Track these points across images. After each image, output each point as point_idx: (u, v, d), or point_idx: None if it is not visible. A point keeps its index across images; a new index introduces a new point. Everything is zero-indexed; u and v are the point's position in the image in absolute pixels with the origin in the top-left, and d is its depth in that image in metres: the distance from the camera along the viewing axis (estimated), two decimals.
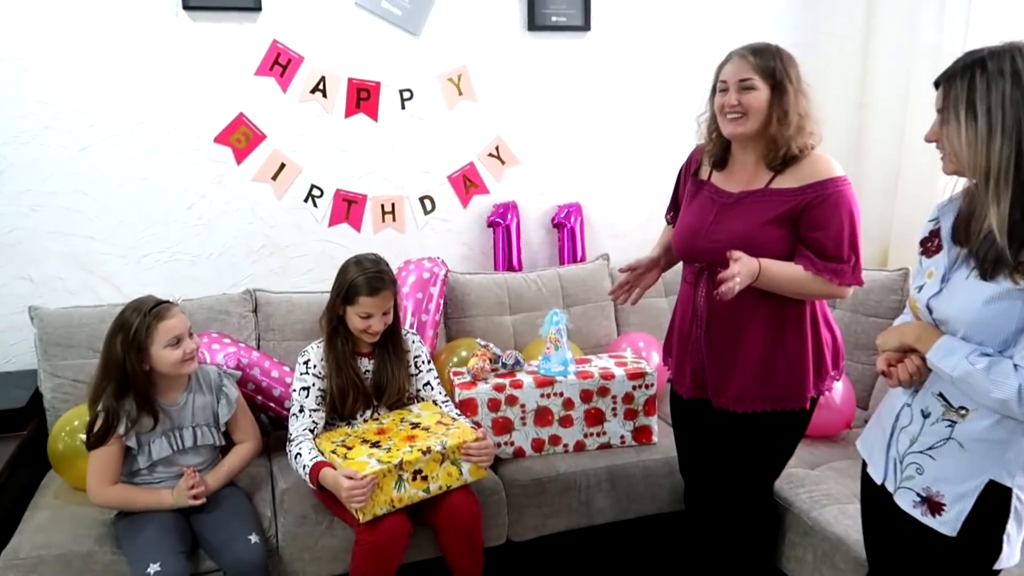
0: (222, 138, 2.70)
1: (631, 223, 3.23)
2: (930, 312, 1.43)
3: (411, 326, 2.54)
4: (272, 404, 2.41)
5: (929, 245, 1.50)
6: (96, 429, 1.91)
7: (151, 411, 1.95)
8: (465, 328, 2.82)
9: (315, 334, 2.58)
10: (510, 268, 3.02)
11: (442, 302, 2.72)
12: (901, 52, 2.99)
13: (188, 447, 2.03)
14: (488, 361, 2.41)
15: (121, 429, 1.92)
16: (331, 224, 2.87)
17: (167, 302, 2.00)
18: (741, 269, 1.71)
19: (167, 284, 2.68)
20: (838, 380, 1.96)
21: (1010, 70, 1.27)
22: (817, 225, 1.76)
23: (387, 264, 2.18)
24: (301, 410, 2.12)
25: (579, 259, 3.09)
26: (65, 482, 2.18)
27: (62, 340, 2.38)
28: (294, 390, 2.14)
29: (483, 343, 2.49)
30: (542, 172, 3.08)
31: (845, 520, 2.01)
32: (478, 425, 2.26)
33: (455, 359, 2.61)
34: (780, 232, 1.79)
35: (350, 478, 1.88)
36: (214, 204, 2.73)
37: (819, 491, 2.15)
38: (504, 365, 2.44)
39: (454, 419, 2.16)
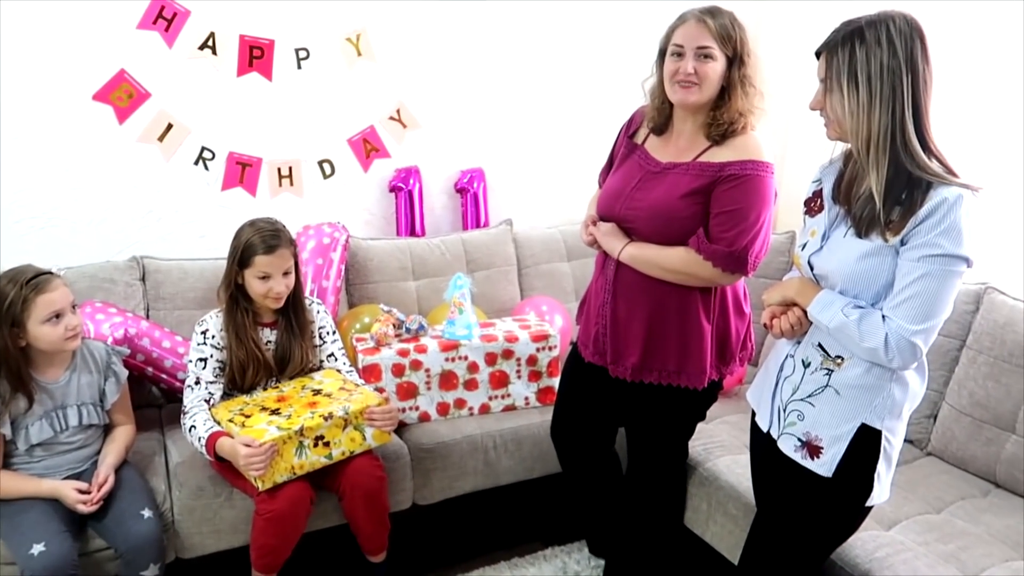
0: (101, 96, 2.52)
1: (534, 188, 3.24)
2: (811, 268, 1.52)
3: (311, 292, 2.47)
4: (164, 376, 2.31)
5: (812, 205, 1.58)
6: None
7: (26, 391, 1.82)
8: (368, 294, 2.77)
9: (210, 303, 2.49)
10: (413, 233, 2.98)
11: (343, 268, 2.67)
12: (789, 18, 3.11)
13: (73, 426, 1.91)
14: (392, 326, 2.39)
15: None
16: (224, 188, 2.74)
17: (48, 273, 1.85)
18: (598, 236, 1.90)
19: (44, 252, 2.49)
20: (742, 366, 1.98)
21: (886, 39, 1.34)
22: (720, 203, 1.75)
23: (284, 225, 2.11)
24: (197, 382, 2.04)
25: (482, 224, 3.09)
26: None
27: None
28: (190, 361, 2.05)
29: (386, 308, 2.47)
30: (444, 136, 3.04)
31: (737, 469, 2.12)
32: (381, 391, 2.24)
33: (358, 325, 2.57)
34: (695, 207, 1.78)
35: (248, 445, 1.83)
36: (94, 166, 2.56)
37: (713, 443, 2.26)
38: (408, 330, 2.42)
39: (357, 385, 2.13)
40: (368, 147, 2.92)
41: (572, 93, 3.20)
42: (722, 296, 1.87)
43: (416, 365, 2.35)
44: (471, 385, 2.42)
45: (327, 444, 1.96)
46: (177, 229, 2.71)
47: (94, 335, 2.17)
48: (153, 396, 2.45)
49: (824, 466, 1.49)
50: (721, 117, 1.78)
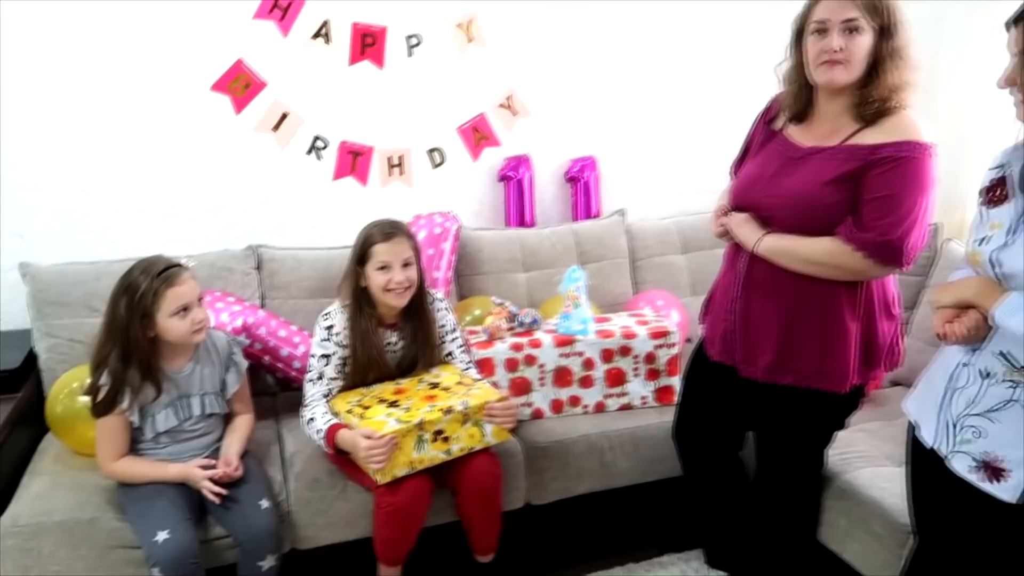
0: (220, 85, 2.55)
1: (648, 177, 3.10)
2: (995, 266, 1.34)
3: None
4: (280, 365, 2.31)
5: (993, 195, 1.39)
6: (102, 397, 1.80)
7: (155, 380, 1.83)
8: (477, 286, 2.71)
9: (322, 293, 2.50)
10: (522, 224, 2.91)
11: (454, 259, 2.62)
12: None
13: (196, 415, 1.92)
14: (505, 320, 2.31)
15: (124, 403, 1.80)
16: (336, 177, 2.73)
17: (178, 265, 1.86)
18: (731, 226, 1.78)
19: (164, 240, 2.55)
20: (888, 371, 1.82)
21: None
22: (873, 188, 1.60)
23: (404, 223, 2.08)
24: (320, 377, 2.02)
25: (593, 215, 2.98)
26: (65, 446, 2.08)
27: (56, 298, 2.26)
28: (313, 355, 2.03)
29: (499, 301, 2.39)
30: (555, 124, 2.94)
31: (881, 483, 1.94)
32: (496, 386, 2.17)
33: (468, 318, 2.52)
34: (842, 194, 1.63)
35: (368, 437, 1.79)
36: (213, 156, 2.59)
37: (851, 452, 2.08)
38: (521, 324, 2.34)
39: (475, 380, 2.06)
40: (478, 135, 2.86)
41: (690, 77, 3.04)
42: (869, 293, 1.72)
43: (530, 360, 2.26)
44: (586, 382, 2.32)
45: (446, 439, 1.90)
46: (290, 218, 2.72)
47: (214, 324, 2.19)
48: (268, 384, 2.46)
49: (1009, 491, 1.31)
50: (871, 95, 1.62)
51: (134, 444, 1.89)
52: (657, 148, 3.09)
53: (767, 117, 1.87)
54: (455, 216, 2.66)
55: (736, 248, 1.83)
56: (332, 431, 1.88)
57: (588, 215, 2.97)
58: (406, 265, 1.98)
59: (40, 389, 2.23)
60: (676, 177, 3.12)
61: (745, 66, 2.95)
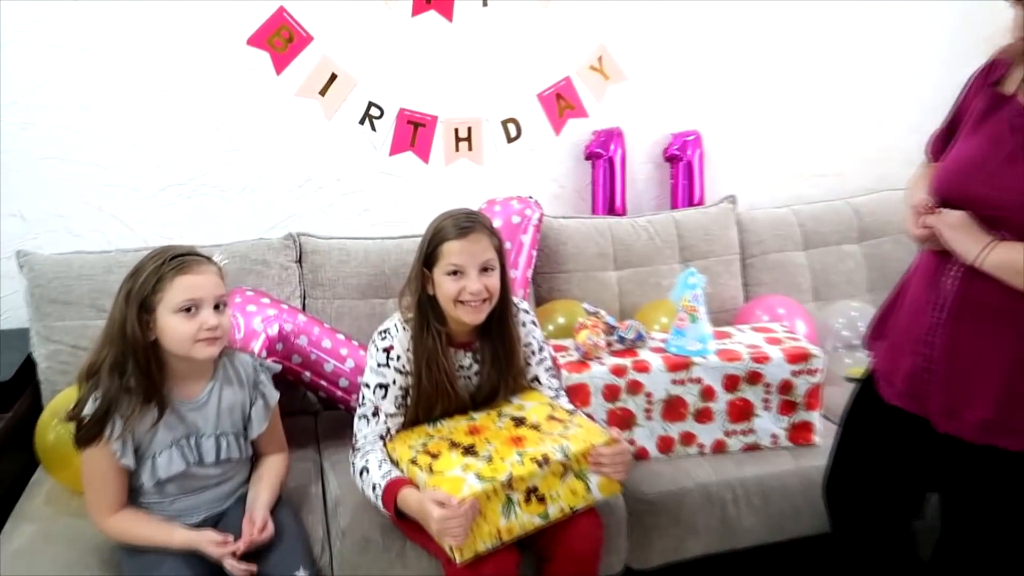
0: (257, 39, 2.13)
1: (762, 157, 2.63)
2: None
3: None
4: (323, 382, 1.89)
5: None
6: (88, 420, 1.39)
7: (158, 398, 1.41)
8: (559, 286, 2.27)
9: (373, 292, 2.11)
10: (612, 211, 2.45)
11: (535, 254, 2.17)
12: None
13: (209, 463, 1.49)
14: (602, 334, 1.86)
15: (113, 433, 1.38)
16: (392, 152, 2.32)
17: (202, 255, 1.45)
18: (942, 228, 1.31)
19: (191, 225, 2.19)
20: None
21: None
22: None
23: (486, 217, 1.63)
24: (375, 413, 1.58)
25: (696, 201, 2.50)
26: (58, 483, 1.70)
27: (58, 295, 1.88)
28: (367, 385, 1.59)
29: (592, 309, 1.94)
30: (654, 91, 2.48)
31: None
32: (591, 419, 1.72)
33: (551, 327, 2.07)
34: None
35: (442, 504, 1.35)
36: (248, 125, 2.19)
37: None
38: (622, 340, 1.89)
39: (570, 413, 1.61)
40: (562, 104, 2.40)
41: (814, 38, 2.56)
42: None
43: (635, 387, 1.81)
44: (703, 416, 1.86)
45: (542, 499, 1.45)
46: (338, 201, 2.32)
47: (244, 331, 1.78)
48: (308, 402, 2.06)
49: None
50: None
51: (136, 496, 1.47)
52: (773, 122, 2.62)
53: (990, 78, 1.38)
54: (536, 203, 2.21)
55: (941, 257, 1.36)
56: (392, 489, 1.45)
57: (690, 202, 2.50)
58: (485, 270, 1.53)
59: (39, 405, 1.85)
60: (795, 158, 2.66)
61: (882, 27, 2.47)
